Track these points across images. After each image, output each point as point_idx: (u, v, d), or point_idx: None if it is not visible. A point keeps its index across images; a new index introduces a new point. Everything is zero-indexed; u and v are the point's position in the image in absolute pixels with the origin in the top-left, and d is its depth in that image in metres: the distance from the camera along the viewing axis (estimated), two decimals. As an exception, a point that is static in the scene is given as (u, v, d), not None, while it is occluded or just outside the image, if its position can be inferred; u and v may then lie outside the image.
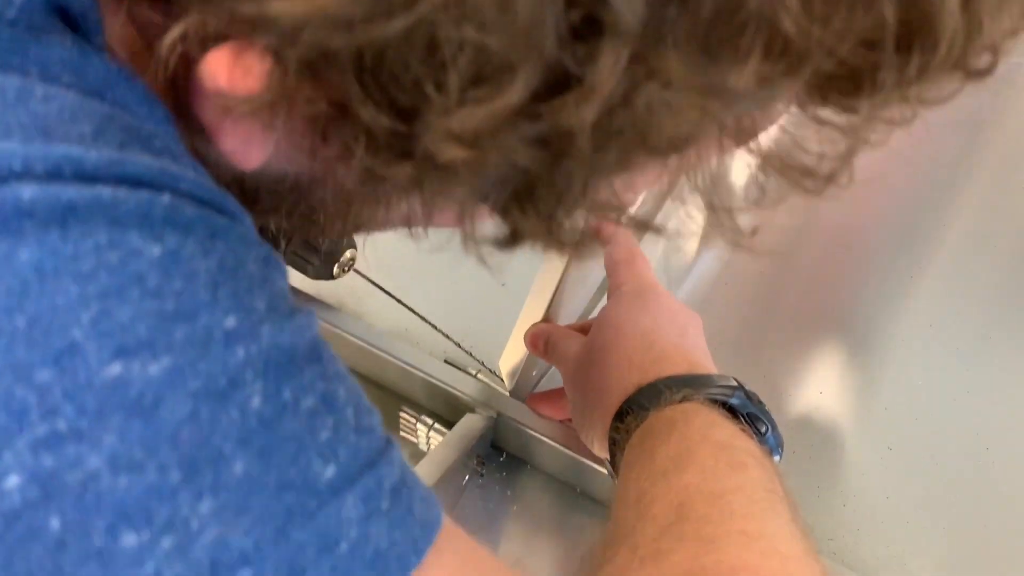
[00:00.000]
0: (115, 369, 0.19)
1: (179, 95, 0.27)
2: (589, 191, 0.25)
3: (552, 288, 0.60)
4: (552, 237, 0.26)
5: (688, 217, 0.67)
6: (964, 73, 0.24)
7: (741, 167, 0.27)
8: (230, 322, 0.22)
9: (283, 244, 0.62)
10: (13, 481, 0.18)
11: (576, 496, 0.66)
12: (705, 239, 0.71)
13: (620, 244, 0.59)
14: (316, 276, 0.63)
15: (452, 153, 0.22)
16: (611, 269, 0.59)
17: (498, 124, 0.21)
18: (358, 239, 0.64)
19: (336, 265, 0.61)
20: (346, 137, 0.24)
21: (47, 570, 0.18)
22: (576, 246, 0.27)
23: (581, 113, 0.21)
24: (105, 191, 0.21)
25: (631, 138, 0.22)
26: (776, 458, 0.44)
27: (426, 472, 0.58)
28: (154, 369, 0.20)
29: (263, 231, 0.32)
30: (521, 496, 0.66)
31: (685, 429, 0.41)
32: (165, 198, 0.22)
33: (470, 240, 0.27)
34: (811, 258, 0.70)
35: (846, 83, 0.23)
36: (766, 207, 0.28)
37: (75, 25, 0.25)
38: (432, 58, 0.21)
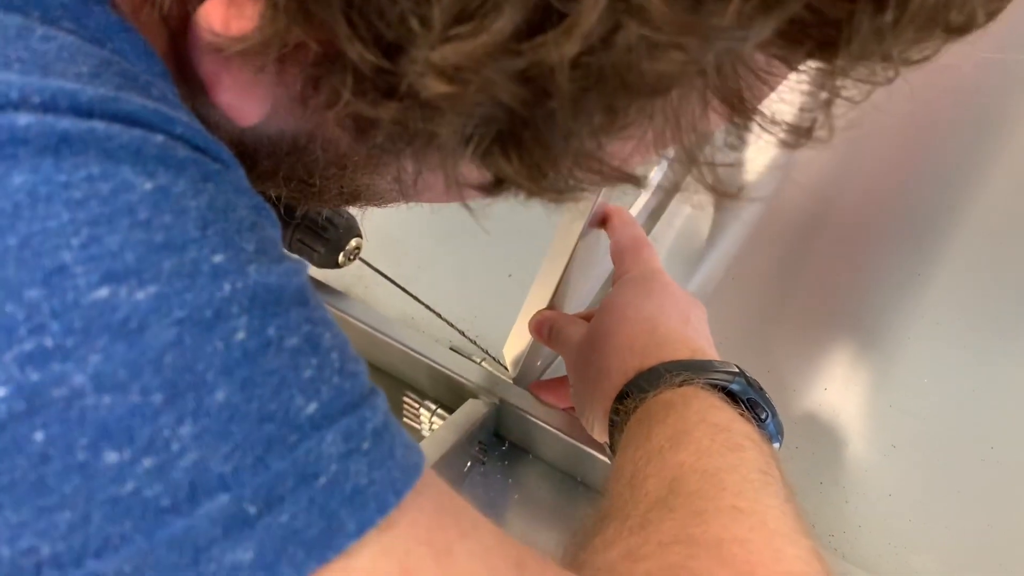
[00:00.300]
0: (102, 292, 0.20)
1: (180, 55, 0.28)
2: (572, 138, 0.25)
3: (557, 276, 0.60)
4: (535, 184, 0.27)
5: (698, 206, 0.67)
6: (943, 29, 0.24)
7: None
8: (218, 258, 0.22)
9: (290, 233, 0.63)
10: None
11: (577, 486, 0.66)
12: (687, 196, 0.71)
13: (627, 232, 0.59)
14: (321, 264, 0.64)
15: (435, 88, 0.22)
16: (617, 257, 0.59)
17: (481, 59, 0.22)
18: (366, 229, 0.64)
19: (341, 253, 0.62)
20: (334, 81, 0.25)
21: (30, 481, 0.19)
22: (559, 195, 0.28)
23: (562, 49, 0.21)
24: (99, 125, 0.21)
25: (612, 80, 0.23)
26: (776, 445, 0.44)
27: (427, 455, 0.58)
28: (140, 295, 0.20)
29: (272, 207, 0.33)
30: (522, 485, 0.66)
31: (683, 411, 0.41)
32: (159, 137, 0.22)
33: (453, 184, 0.27)
34: (820, 253, 0.69)
35: (822, 31, 0.23)
36: (745, 155, 0.28)
37: None
38: None
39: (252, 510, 0.21)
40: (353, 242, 0.62)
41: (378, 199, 0.36)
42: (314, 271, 0.68)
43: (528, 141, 0.25)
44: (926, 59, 0.25)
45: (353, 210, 0.60)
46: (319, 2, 0.23)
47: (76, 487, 0.19)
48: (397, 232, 0.79)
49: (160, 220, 0.21)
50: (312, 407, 0.23)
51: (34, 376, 0.19)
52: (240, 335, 0.22)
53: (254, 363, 0.22)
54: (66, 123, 0.21)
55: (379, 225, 0.38)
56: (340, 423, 0.23)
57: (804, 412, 0.70)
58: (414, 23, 0.22)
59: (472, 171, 0.27)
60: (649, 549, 0.33)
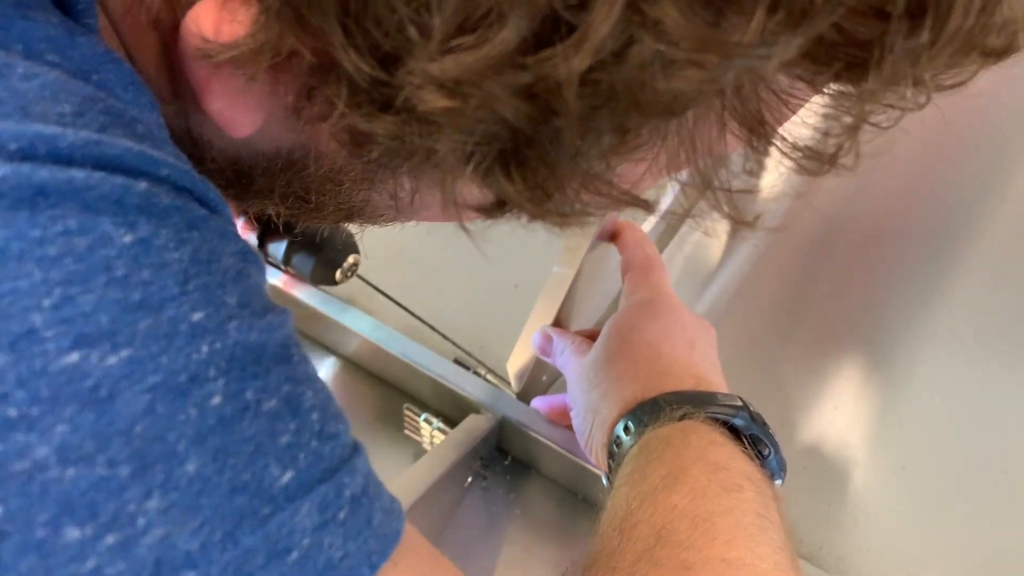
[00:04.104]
0: (72, 358, 0.19)
1: (171, 63, 0.27)
2: (580, 158, 0.24)
3: (563, 290, 0.59)
4: (538, 207, 0.25)
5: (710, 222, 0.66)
6: (980, 53, 0.23)
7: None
8: (197, 316, 0.21)
9: (287, 249, 0.63)
10: None
11: (579, 503, 0.65)
12: (704, 224, 0.70)
13: (639, 250, 0.58)
14: (318, 281, 0.63)
15: (434, 102, 0.21)
16: (626, 276, 0.58)
17: (484, 72, 0.21)
18: (366, 238, 0.63)
19: (339, 271, 0.61)
20: (329, 92, 0.24)
21: None
22: (563, 219, 0.27)
23: (571, 64, 0.20)
24: (79, 174, 0.20)
25: (623, 98, 0.21)
26: (777, 483, 0.43)
27: (425, 471, 0.57)
28: (113, 360, 0.19)
29: (269, 225, 0.32)
30: (524, 501, 0.65)
31: (681, 448, 0.40)
32: (141, 185, 0.21)
33: (451, 204, 0.26)
34: (832, 269, 0.68)
35: (851, 52, 0.22)
36: (762, 182, 0.27)
37: (65, 4, 0.25)
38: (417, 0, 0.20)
39: None
40: (351, 259, 0.61)
41: (377, 217, 0.35)
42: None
43: (532, 161, 0.24)
44: (961, 84, 0.24)
45: (352, 228, 0.59)
46: (314, 8, 0.22)
47: (32, 566, 0.18)
48: (401, 239, 0.77)
49: (138, 276, 0.20)
50: (288, 476, 0.22)
51: None
52: (216, 400, 0.21)
53: (229, 430, 0.21)
54: (44, 173, 0.20)
55: (383, 232, 0.37)
56: (316, 491, 0.22)
57: (813, 431, 0.69)
58: (413, 32, 0.21)
59: (472, 191, 0.26)
60: None
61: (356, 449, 0.25)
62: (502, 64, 0.20)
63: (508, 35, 0.20)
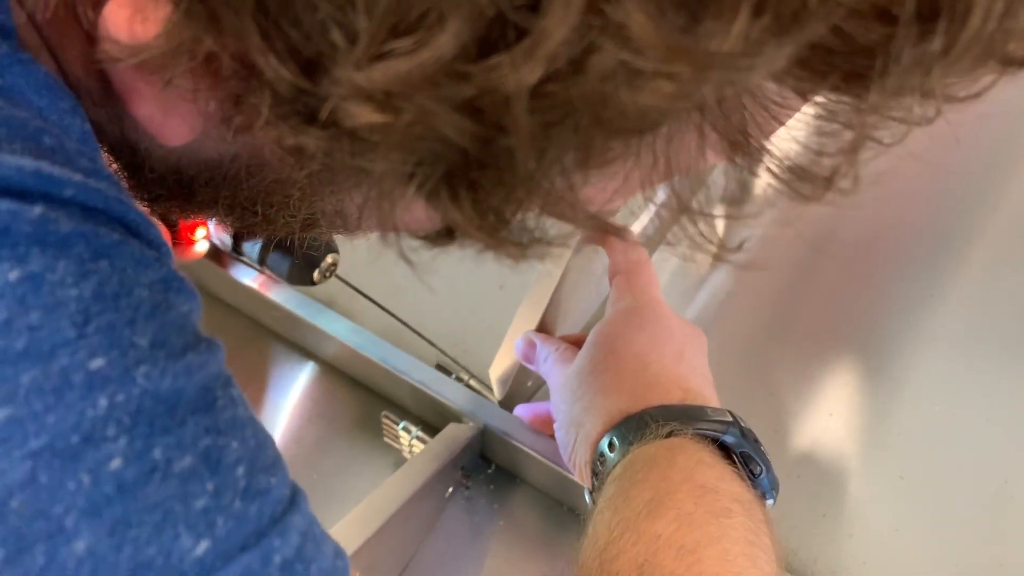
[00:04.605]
0: None
1: (101, 71, 0.25)
2: (539, 181, 0.21)
3: (547, 294, 0.57)
4: (491, 235, 0.23)
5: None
6: (999, 61, 0.20)
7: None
8: (96, 363, 0.19)
9: (262, 248, 0.60)
10: None
11: (566, 513, 0.63)
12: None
13: (627, 254, 0.55)
14: (295, 281, 0.61)
15: (360, 116, 0.19)
16: (613, 280, 0.55)
17: (417, 83, 0.18)
18: (344, 240, 0.61)
19: (316, 270, 0.59)
20: (255, 100, 0.21)
21: None
22: (520, 252, 0.24)
23: (520, 75, 0.17)
24: None
25: (583, 115, 0.19)
26: (769, 503, 0.41)
27: (404, 482, 0.55)
28: None
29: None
30: (509, 511, 0.63)
31: (667, 469, 0.38)
32: (35, 210, 0.19)
33: (389, 233, 0.23)
34: (828, 275, 0.66)
35: (851, 60, 0.19)
36: (750, 211, 0.24)
37: None
38: None
39: None
40: (329, 258, 0.59)
41: (331, 229, 0.33)
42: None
43: (483, 183, 0.21)
44: (974, 97, 0.21)
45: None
46: (229, 7, 0.19)
47: None
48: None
49: (24, 320, 0.18)
50: (203, 547, 0.19)
51: None
52: (115, 463, 0.18)
53: (130, 498, 0.18)
54: None
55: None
56: (238, 562, 0.20)
57: (807, 439, 0.67)
58: (337, 36, 0.18)
59: (417, 214, 0.24)
60: None
61: (293, 502, 0.22)
62: (440, 74, 0.18)
63: (447, 40, 0.17)
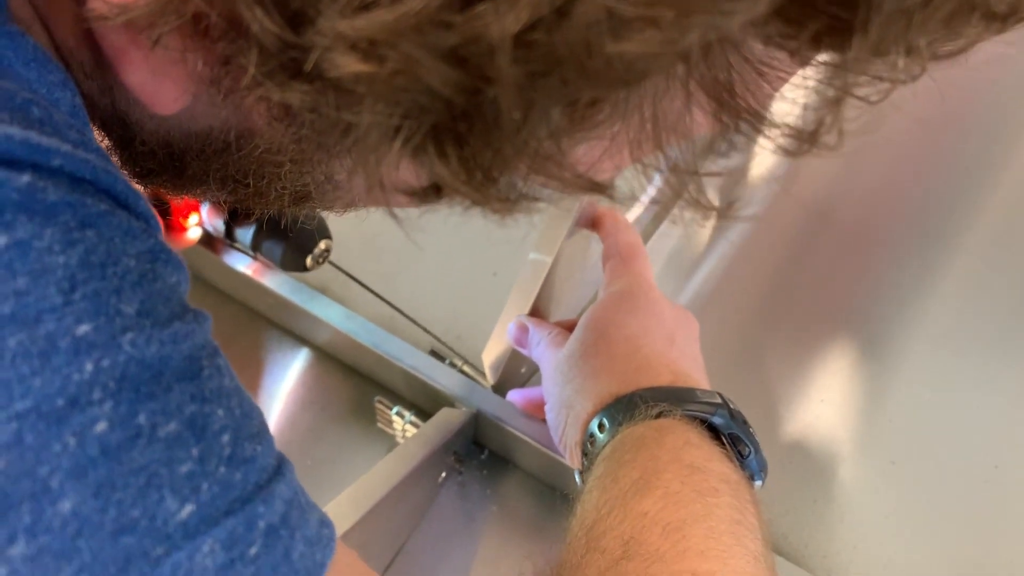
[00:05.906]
0: None
1: (92, 35, 0.25)
2: (526, 137, 0.21)
3: (540, 279, 0.57)
4: (477, 191, 0.23)
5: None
6: (982, 15, 0.20)
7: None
8: (83, 329, 0.19)
9: (254, 234, 0.60)
10: None
11: (559, 498, 0.63)
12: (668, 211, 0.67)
13: (620, 238, 0.55)
14: (288, 267, 0.61)
15: (345, 66, 0.19)
16: (607, 265, 0.55)
17: (403, 31, 0.18)
18: (339, 223, 0.61)
19: (309, 256, 0.59)
20: (242, 59, 0.21)
21: None
22: (506, 205, 0.24)
23: (503, 23, 0.17)
24: None
25: (569, 64, 0.19)
26: (757, 484, 0.41)
27: (395, 465, 0.55)
28: None
29: (237, 209, 0.30)
30: (502, 496, 0.63)
31: (655, 449, 0.38)
32: (23, 178, 0.19)
33: (376, 188, 0.23)
34: (820, 258, 0.66)
35: (831, 11, 0.19)
36: (736, 165, 0.24)
37: None
38: None
39: None
40: (322, 244, 0.59)
41: (325, 202, 0.33)
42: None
43: (470, 138, 0.21)
44: (960, 52, 0.21)
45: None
46: None
47: None
48: (375, 224, 0.75)
49: (10, 286, 0.18)
50: (187, 510, 0.19)
51: None
52: (100, 427, 0.18)
53: (115, 461, 0.18)
54: None
55: (355, 216, 0.35)
56: (222, 526, 0.20)
57: (798, 425, 0.67)
58: None
59: (404, 172, 0.24)
60: None
61: (278, 471, 0.22)
62: (424, 22, 0.18)
63: None
